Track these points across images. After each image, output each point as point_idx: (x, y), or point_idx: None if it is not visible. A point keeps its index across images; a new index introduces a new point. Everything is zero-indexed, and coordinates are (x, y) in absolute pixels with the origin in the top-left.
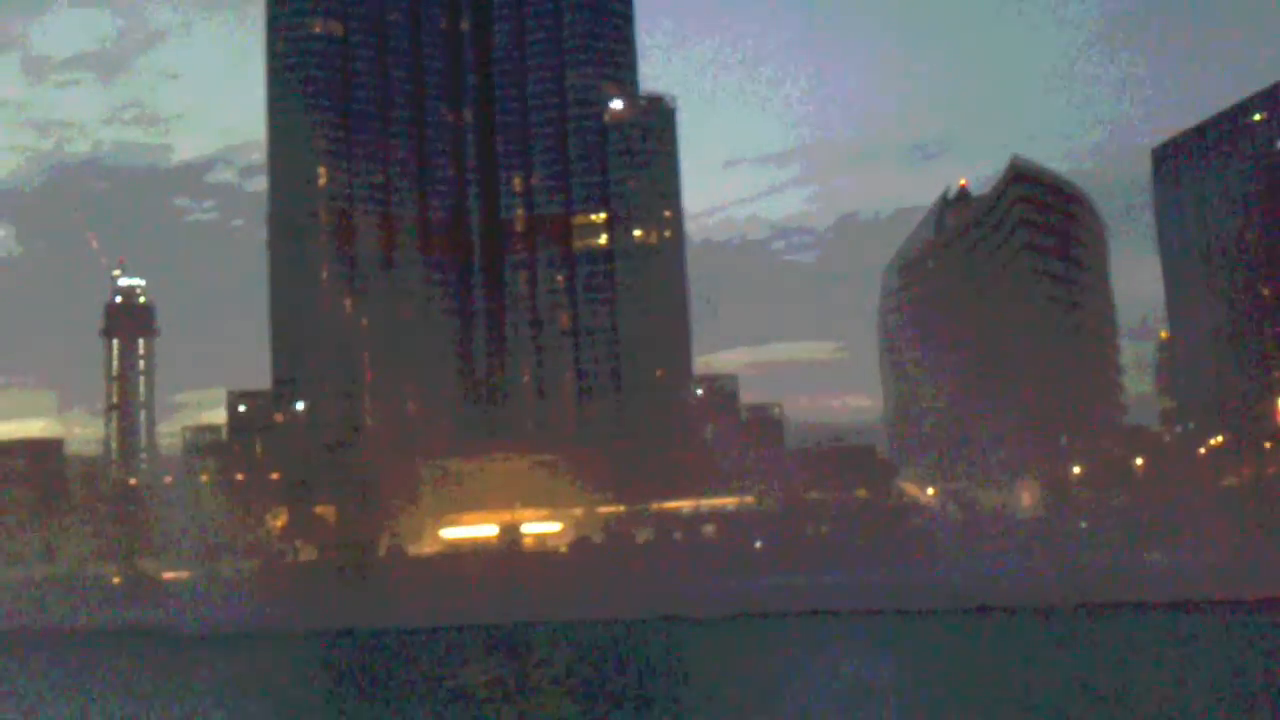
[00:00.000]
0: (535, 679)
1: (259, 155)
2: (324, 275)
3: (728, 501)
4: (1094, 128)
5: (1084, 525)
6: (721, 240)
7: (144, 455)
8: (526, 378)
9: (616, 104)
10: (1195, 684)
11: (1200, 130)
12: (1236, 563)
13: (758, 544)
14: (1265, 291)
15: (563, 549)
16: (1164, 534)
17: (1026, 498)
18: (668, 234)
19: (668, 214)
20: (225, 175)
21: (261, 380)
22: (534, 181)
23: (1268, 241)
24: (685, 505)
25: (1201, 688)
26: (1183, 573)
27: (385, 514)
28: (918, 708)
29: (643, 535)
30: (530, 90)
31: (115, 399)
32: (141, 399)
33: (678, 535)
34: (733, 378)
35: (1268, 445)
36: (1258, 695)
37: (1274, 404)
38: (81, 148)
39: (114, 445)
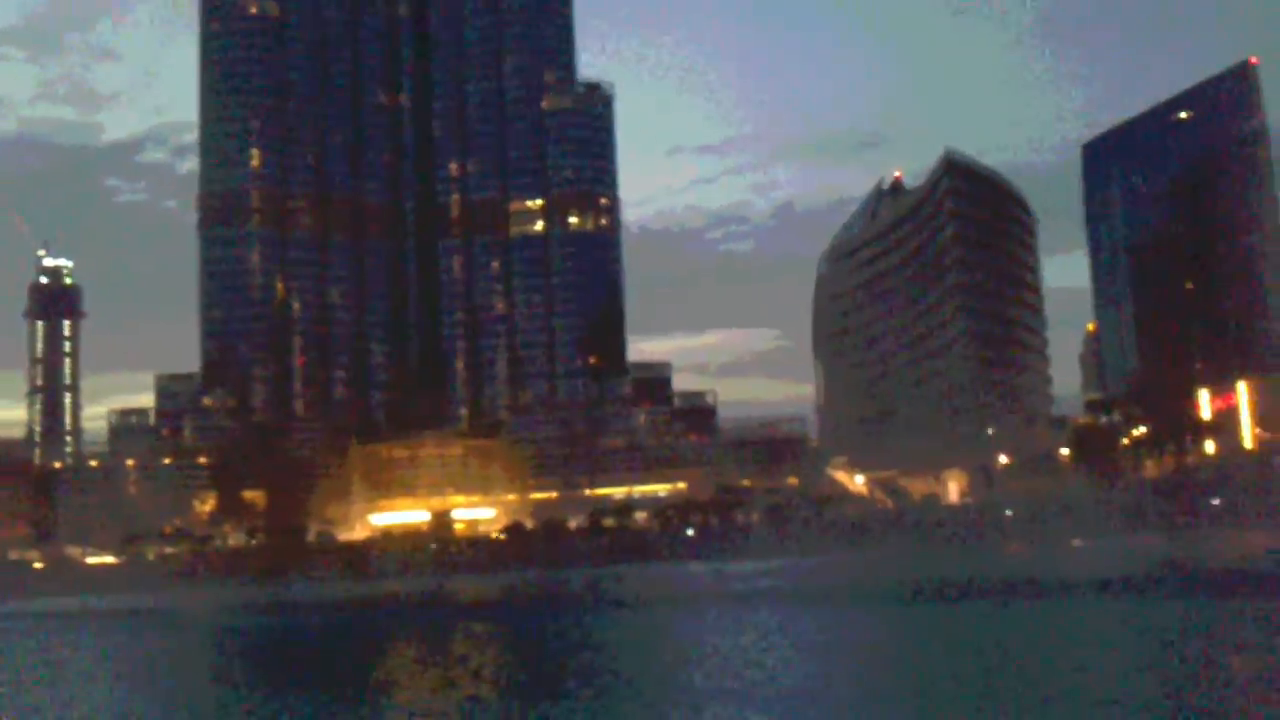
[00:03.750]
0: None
1: (192, 136)
2: (255, 258)
3: (659, 488)
4: (1027, 122)
5: (1010, 513)
6: (659, 229)
7: (69, 439)
8: (460, 363)
9: (554, 91)
10: (1123, 663)
11: (1129, 127)
12: (1159, 547)
13: (689, 531)
14: (1188, 286)
15: (494, 535)
16: (1089, 521)
17: (954, 487)
18: (604, 221)
19: (604, 201)
20: (157, 155)
21: (191, 364)
22: (470, 167)
23: (1191, 237)
24: (617, 492)
25: (1130, 666)
26: (1107, 557)
27: (315, 500)
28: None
29: (575, 521)
30: (468, 76)
31: (40, 381)
32: (67, 382)
33: (609, 521)
34: (666, 364)
35: (1187, 436)
36: (1184, 673)
37: (1194, 396)
38: (9, 125)
39: (38, 429)
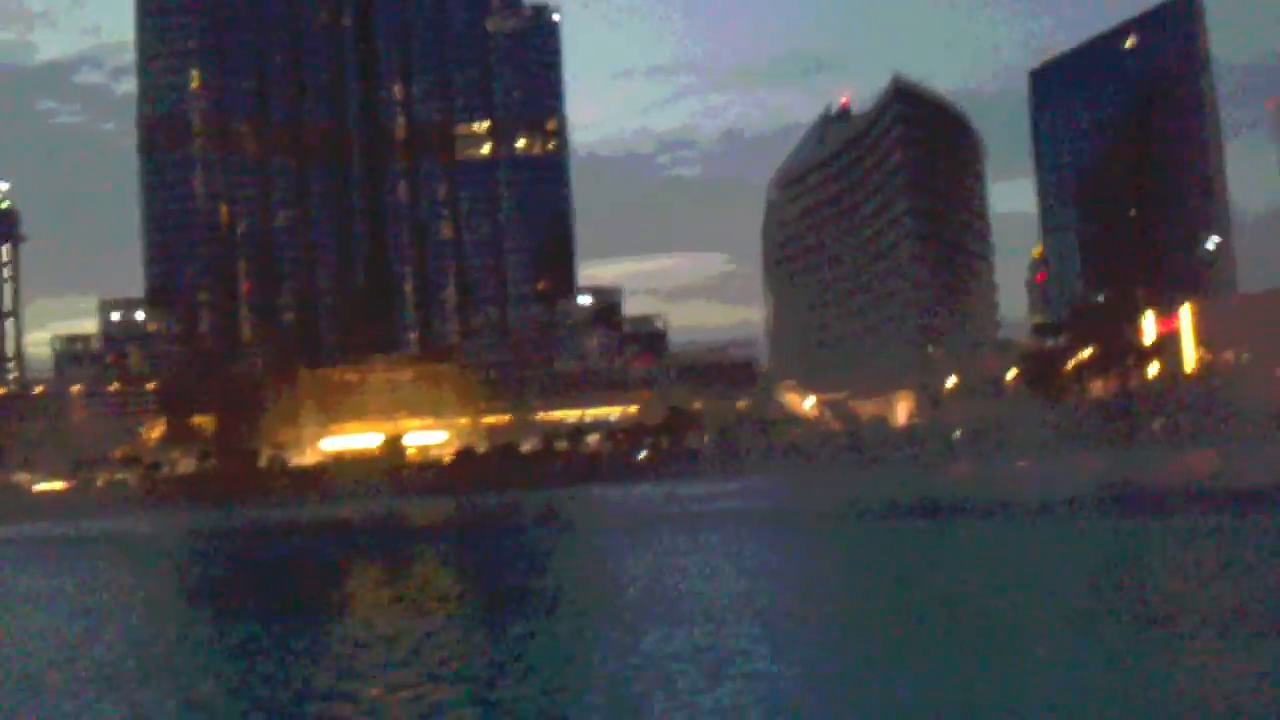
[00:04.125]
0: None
1: (129, 57)
2: (198, 182)
3: (611, 411)
4: (975, 48)
5: (957, 435)
6: (607, 154)
7: (12, 365)
8: (409, 288)
9: (500, 13)
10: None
11: (1076, 54)
12: (1101, 468)
13: (641, 454)
14: (1131, 212)
15: (446, 459)
16: (1033, 443)
17: (902, 409)
18: (551, 145)
19: (551, 125)
20: (94, 77)
21: (135, 289)
22: (415, 90)
23: (1135, 163)
24: (569, 415)
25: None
26: (1050, 477)
27: (266, 424)
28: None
29: (528, 445)
30: None
31: None
32: (8, 307)
33: (561, 444)
34: (616, 289)
35: (1131, 359)
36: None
37: (1138, 320)
38: None
39: None
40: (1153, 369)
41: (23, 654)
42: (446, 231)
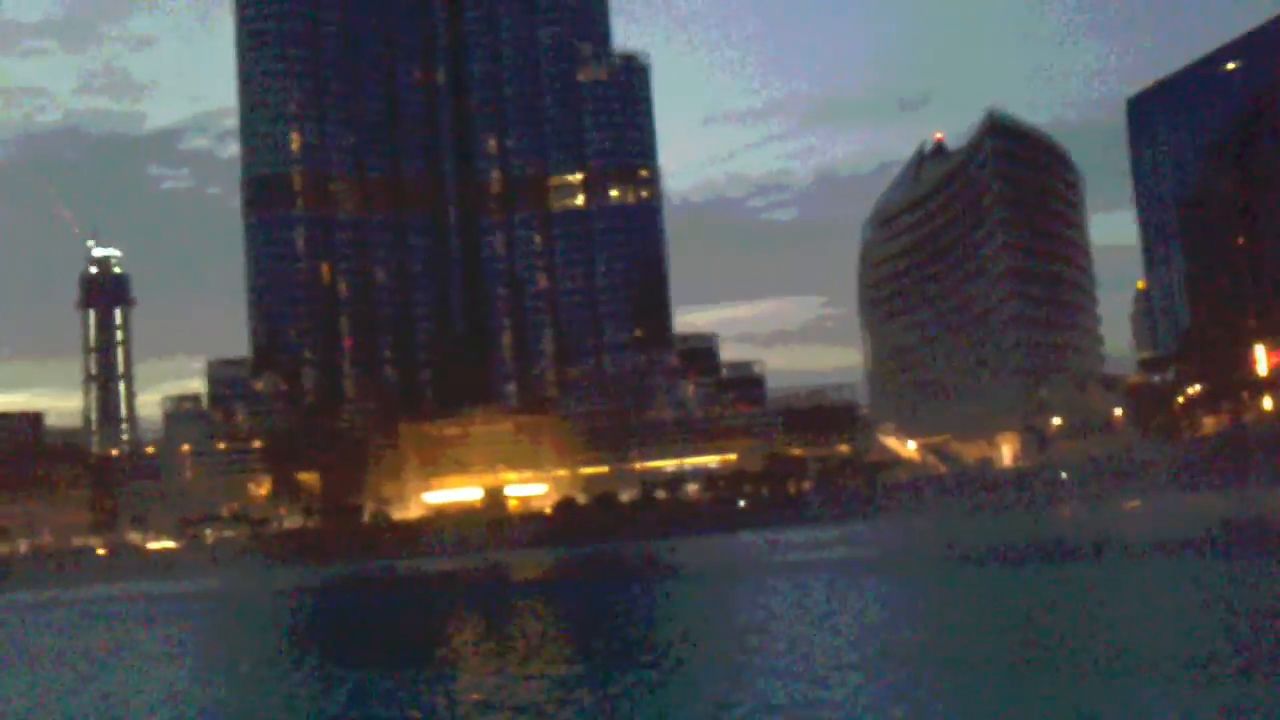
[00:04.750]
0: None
1: (232, 121)
2: (300, 240)
3: (710, 459)
4: (1071, 79)
5: (1065, 476)
6: (699, 200)
7: (125, 426)
8: (506, 339)
9: (591, 62)
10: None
11: (1174, 80)
12: (1217, 507)
13: (741, 502)
14: (1238, 240)
15: (547, 510)
16: (1144, 482)
17: (1007, 450)
18: (645, 193)
19: (644, 173)
20: (199, 142)
21: (240, 348)
22: (509, 142)
23: (1239, 191)
24: (668, 464)
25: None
26: (1164, 517)
27: (369, 479)
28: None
29: (627, 494)
30: (503, 50)
31: (94, 370)
32: (120, 370)
33: (660, 494)
34: (712, 335)
35: (1244, 393)
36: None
37: (1248, 351)
38: (52, 117)
39: (93, 417)
40: (1266, 402)
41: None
42: (542, 282)
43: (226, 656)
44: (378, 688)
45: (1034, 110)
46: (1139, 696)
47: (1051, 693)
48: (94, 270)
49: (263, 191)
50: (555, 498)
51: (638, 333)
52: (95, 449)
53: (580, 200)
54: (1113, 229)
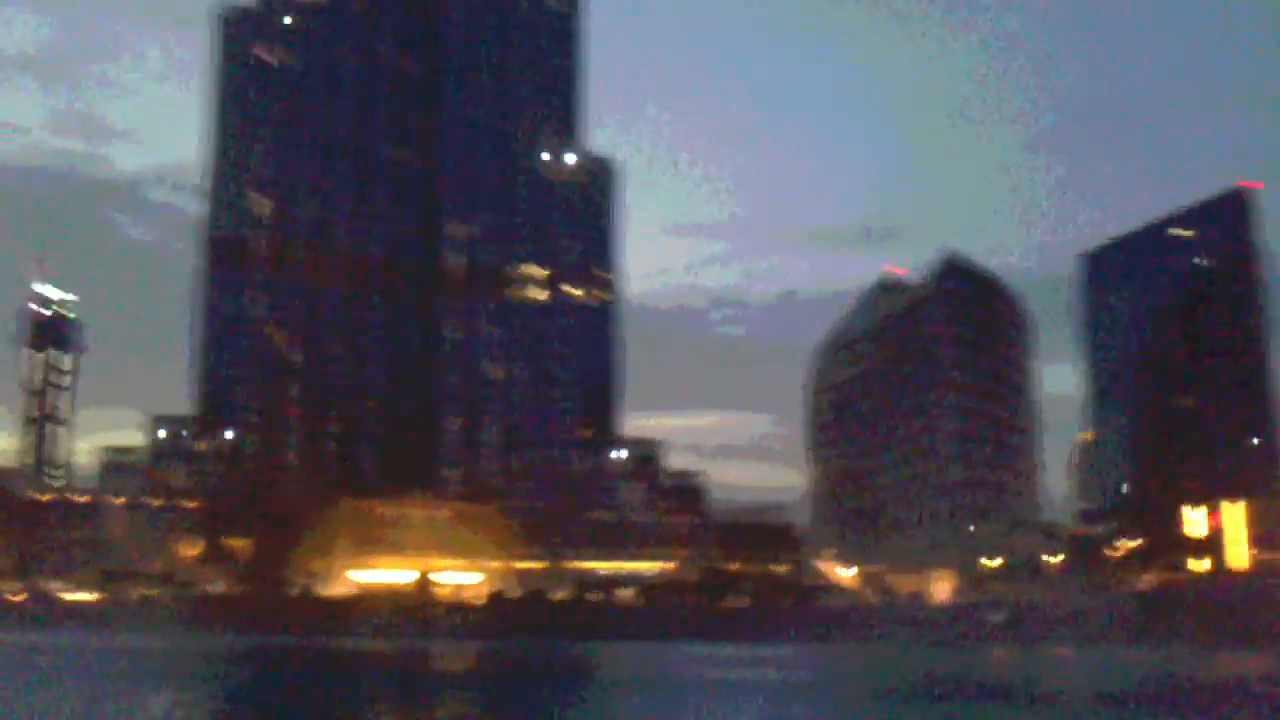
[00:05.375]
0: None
1: (199, 177)
2: (255, 305)
3: (646, 566)
4: (1029, 228)
5: (997, 618)
6: (658, 307)
7: (59, 472)
8: (454, 425)
9: (562, 160)
10: None
11: (1129, 240)
12: (1145, 662)
13: (675, 612)
14: (1181, 403)
15: (477, 601)
16: (1075, 630)
17: (943, 587)
18: (605, 294)
19: (606, 275)
20: (164, 194)
21: (182, 406)
22: (474, 230)
23: (1185, 354)
24: (603, 566)
25: None
26: (1093, 667)
27: (299, 552)
28: None
29: (560, 593)
30: (476, 138)
31: (36, 412)
32: (63, 416)
33: (594, 596)
34: (658, 442)
35: (1179, 552)
36: None
37: (1184, 512)
38: (17, 150)
39: (28, 460)
40: (1200, 564)
41: None
42: (494, 371)
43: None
44: None
45: (994, 253)
46: None
47: None
48: (45, 310)
49: (222, 252)
50: (487, 589)
51: (586, 432)
52: (26, 493)
53: (541, 295)
54: (1060, 379)
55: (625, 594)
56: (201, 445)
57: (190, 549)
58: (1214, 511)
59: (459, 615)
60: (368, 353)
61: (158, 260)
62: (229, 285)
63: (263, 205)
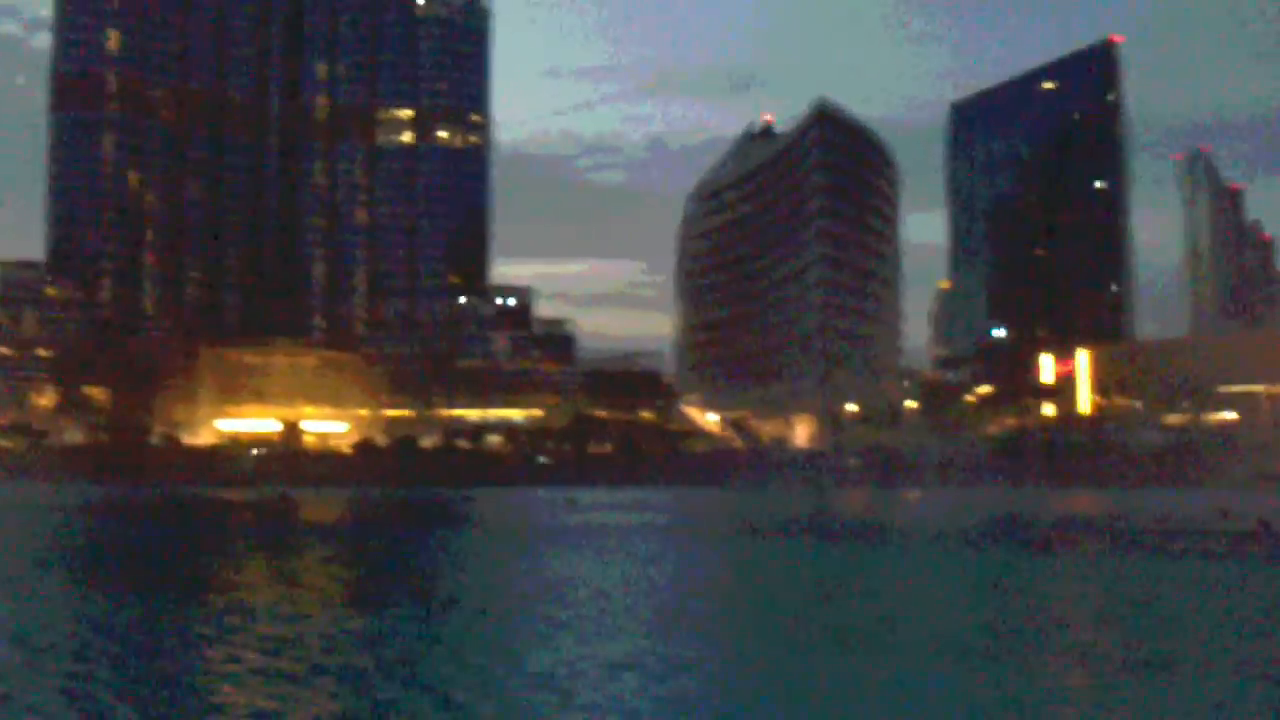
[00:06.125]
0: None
1: (47, 10)
2: (109, 146)
3: (515, 413)
4: (899, 78)
5: (855, 462)
6: (529, 152)
7: None
8: (318, 271)
9: None
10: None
11: (995, 92)
12: (993, 502)
13: (541, 459)
14: (1038, 253)
15: (345, 449)
16: (928, 474)
17: (803, 431)
18: (474, 139)
19: (476, 118)
20: (8, 27)
21: (35, 251)
22: (339, 70)
23: (1045, 204)
24: (472, 414)
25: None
26: (942, 509)
27: (161, 401)
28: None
29: (429, 441)
30: None
31: None
32: None
33: (462, 443)
34: (528, 290)
35: (1029, 399)
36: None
37: (1037, 359)
38: None
39: None
40: (1048, 409)
41: None
42: (361, 217)
43: (7, 574)
44: (143, 607)
45: (861, 104)
46: (898, 672)
47: (818, 665)
48: None
49: (72, 89)
50: (355, 437)
51: (454, 279)
52: None
53: (407, 138)
54: (925, 228)
55: (494, 440)
56: (53, 292)
57: (44, 398)
58: (1065, 359)
59: (326, 463)
60: (228, 197)
61: (3, 98)
62: (80, 124)
63: (114, 40)
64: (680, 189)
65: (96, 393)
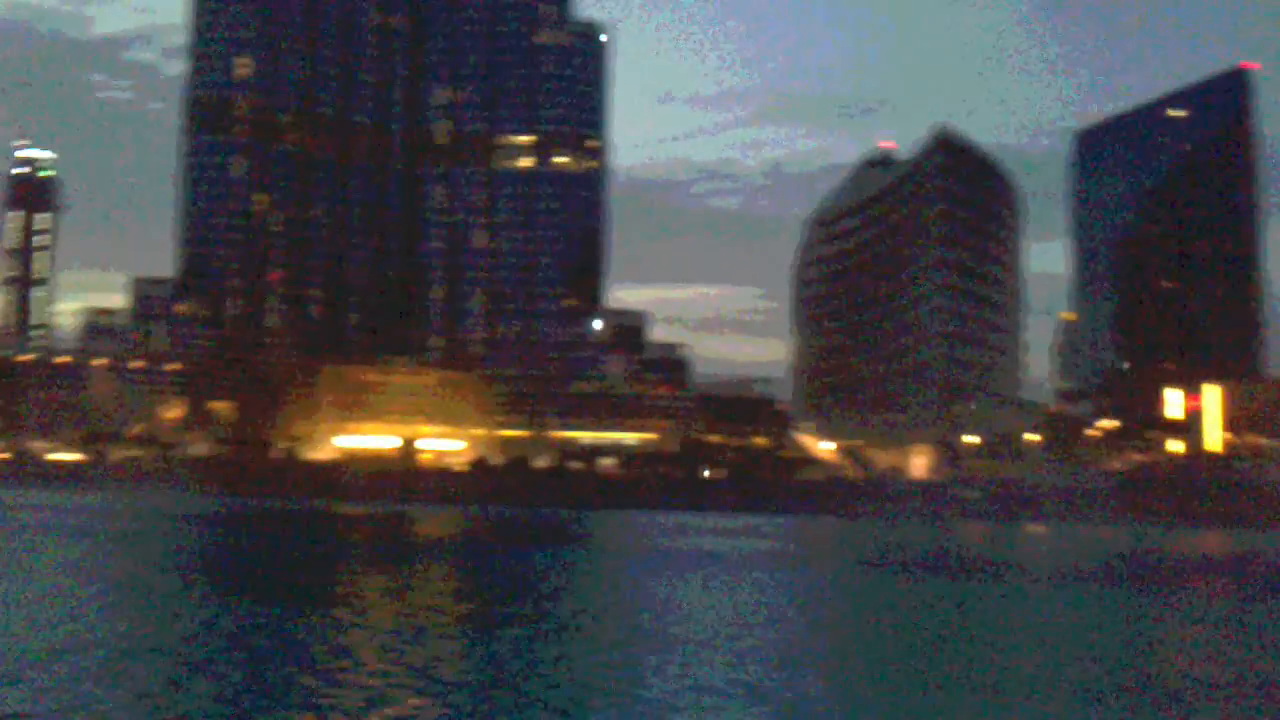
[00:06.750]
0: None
1: (182, 38)
2: (238, 168)
3: (628, 436)
4: (1022, 105)
5: (974, 494)
6: (646, 178)
7: (43, 333)
8: (438, 293)
9: (551, 27)
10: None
11: (1122, 119)
12: (1117, 540)
13: (655, 482)
14: (1166, 284)
15: (460, 468)
16: (1050, 508)
17: (921, 462)
18: (591, 164)
19: (593, 143)
20: (145, 55)
21: (166, 268)
22: (461, 96)
23: (1173, 235)
24: (585, 436)
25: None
26: (1065, 544)
27: (283, 416)
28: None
29: (542, 461)
30: (465, 2)
31: (15, 272)
32: (41, 275)
33: (575, 464)
34: (643, 314)
35: (1156, 433)
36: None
37: (1163, 394)
38: None
39: (8, 321)
40: (1175, 445)
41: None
42: (480, 240)
43: (131, 578)
44: (288, 625)
45: (983, 132)
46: (1011, 713)
47: (926, 704)
48: (22, 170)
49: (205, 113)
50: (470, 456)
51: (570, 302)
52: (7, 353)
53: (526, 163)
54: (1046, 257)
55: (607, 463)
56: (183, 308)
57: (172, 411)
58: (1192, 394)
59: (441, 480)
60: (352, 219)
61: (140, 122)
62: (211, 148)
63: (245, 67)
64: (797, 215)
65: (221, 407)
